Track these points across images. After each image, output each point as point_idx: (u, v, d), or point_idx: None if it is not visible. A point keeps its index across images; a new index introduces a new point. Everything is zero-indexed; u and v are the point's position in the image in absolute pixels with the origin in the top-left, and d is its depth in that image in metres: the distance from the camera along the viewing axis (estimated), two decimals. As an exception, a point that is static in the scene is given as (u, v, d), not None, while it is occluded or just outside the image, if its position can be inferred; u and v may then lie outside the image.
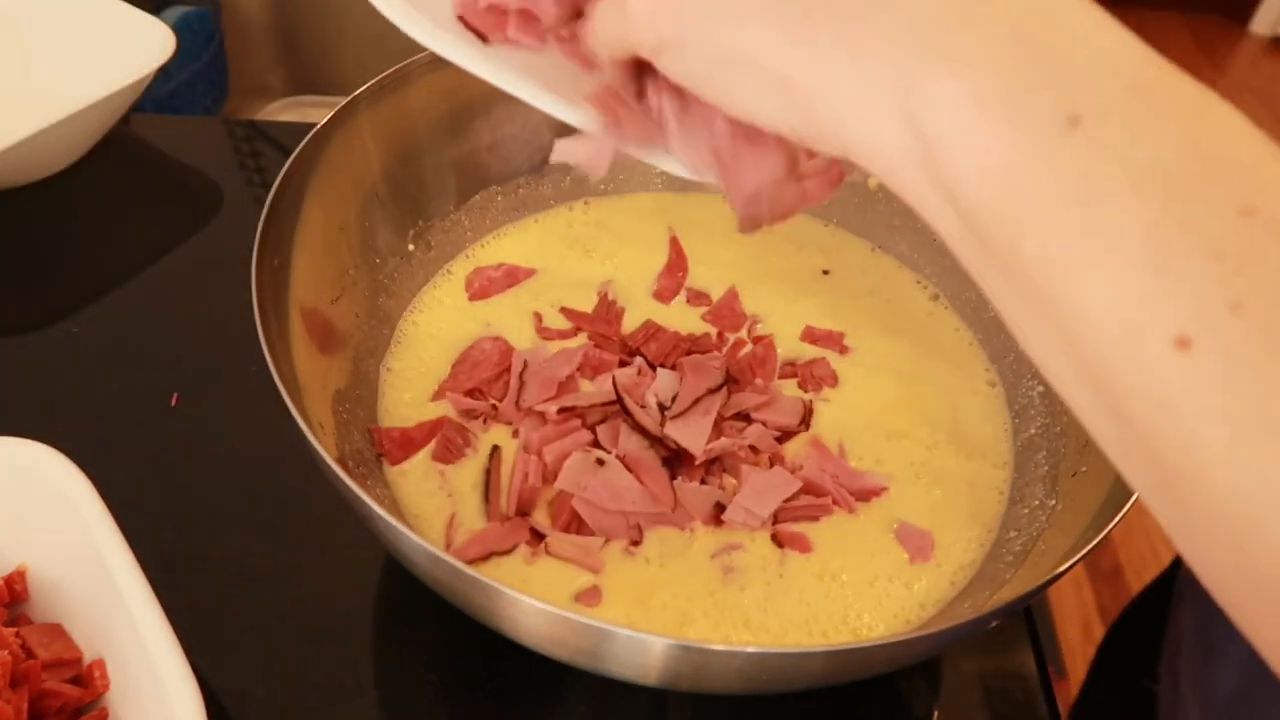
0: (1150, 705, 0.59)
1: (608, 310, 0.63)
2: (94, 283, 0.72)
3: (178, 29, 0.82)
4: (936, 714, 0.52)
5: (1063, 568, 0.41)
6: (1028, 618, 0.55)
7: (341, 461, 0.43)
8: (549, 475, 0.53)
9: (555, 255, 0.67)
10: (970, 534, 0.53)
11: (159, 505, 0.58)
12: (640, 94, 0.37)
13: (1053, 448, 0.55)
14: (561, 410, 0.55)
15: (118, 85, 0.73)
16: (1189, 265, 0.23)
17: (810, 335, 0.62)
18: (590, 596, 0.49)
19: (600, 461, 0.53)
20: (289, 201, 0.53)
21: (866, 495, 0.54)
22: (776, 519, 0.53)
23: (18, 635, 0.46)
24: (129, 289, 0.72)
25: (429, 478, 0.54)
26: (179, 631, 0.43)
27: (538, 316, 0.63)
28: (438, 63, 0.61)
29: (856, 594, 0.51)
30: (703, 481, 0.53)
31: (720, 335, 0.62)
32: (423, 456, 0.55)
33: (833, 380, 0.60)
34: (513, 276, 0.65)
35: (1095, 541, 0.42)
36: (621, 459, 0.53)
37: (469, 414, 0.57)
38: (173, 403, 0.63)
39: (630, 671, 0.41)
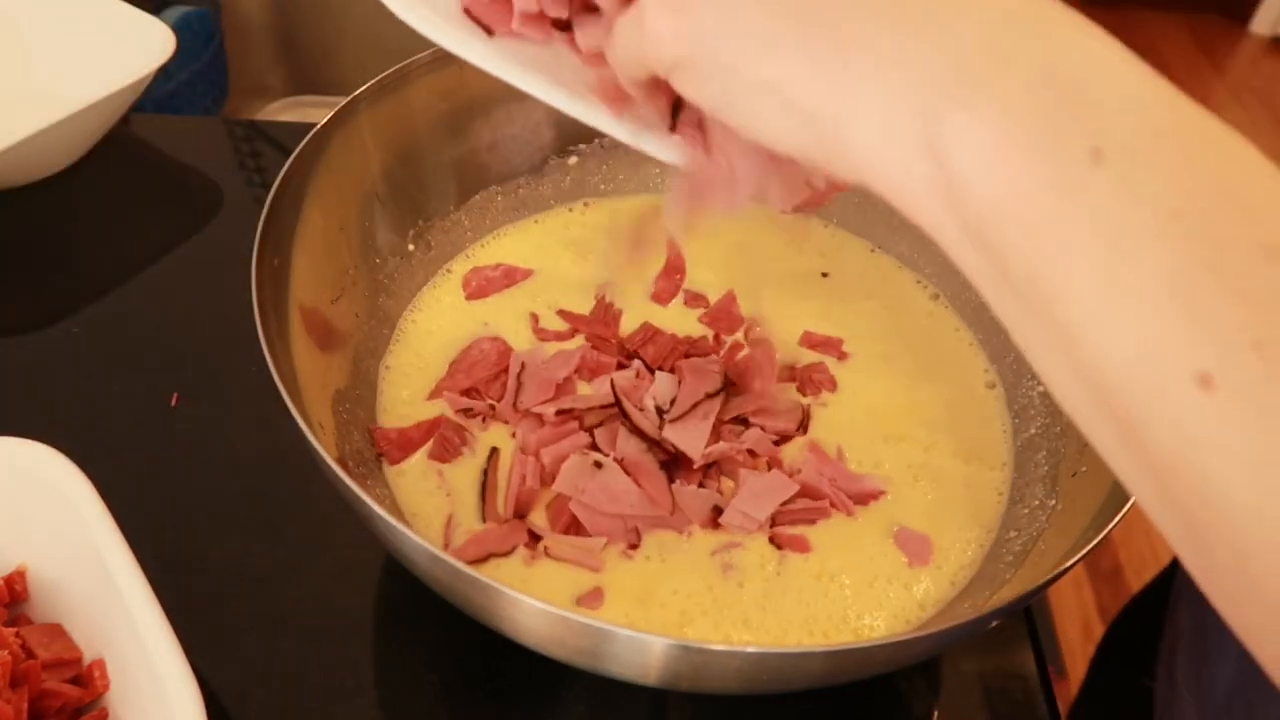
0: (1149, 704, 0.59)
1: (605, 312, 0.63)
2: (94, 283, 0.72)
3: (178, 29, 0.82)
4: (936, 714, 0.52)
5: (1063, 568, 0.41)
6: (1028, 618, 0.55)
7: (341, 461, 0.43)
8: (547, 477, 0.53)
9: (553, 256, 0.67)
10: (970, 535, 0.53)
11: (159, 505, 0.58)
12: (670, 116, 0.37)
13: (1053, 448, 0.55)
14: (559, 412, 0.55)
15: (118, 85, 0.73)
16: (1212, 305, 0.23)
17: (809, 340, 0.62)
18: (593, 599, 0.49)
19: (598, 464, 0.53)
20: (289, 201, 0.53)
21: (865, 499, 0.54)
22: (774, 522, 0.53)
23: (18, 635, 0.46)
24: (129, 289, 0.72)
25: (427, 477, 0.54)
26: (179, 631, 0.43)
27: (534, 317, 0.63)
28: (438, 63, 0.61)
29: (856, 594, 0.51)
30: (700, 485, 0.53)
31: (718, 338, 0.62)
32: (420, 456, 0.55)
33: (831, 385, 0.60)
34: (510, 277, 0.65)
35: (1095, 541, 0.42)
36: (619, 462, 0.53)
37: (466, 413, 0.57)
38: (173, 403, 0.63)
39: (630, 671, 0.41)
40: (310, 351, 0.52)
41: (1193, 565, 0.26)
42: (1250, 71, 2.67)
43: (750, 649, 0.40)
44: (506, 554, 0.51)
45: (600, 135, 0.69)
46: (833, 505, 0.53)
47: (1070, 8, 0.27)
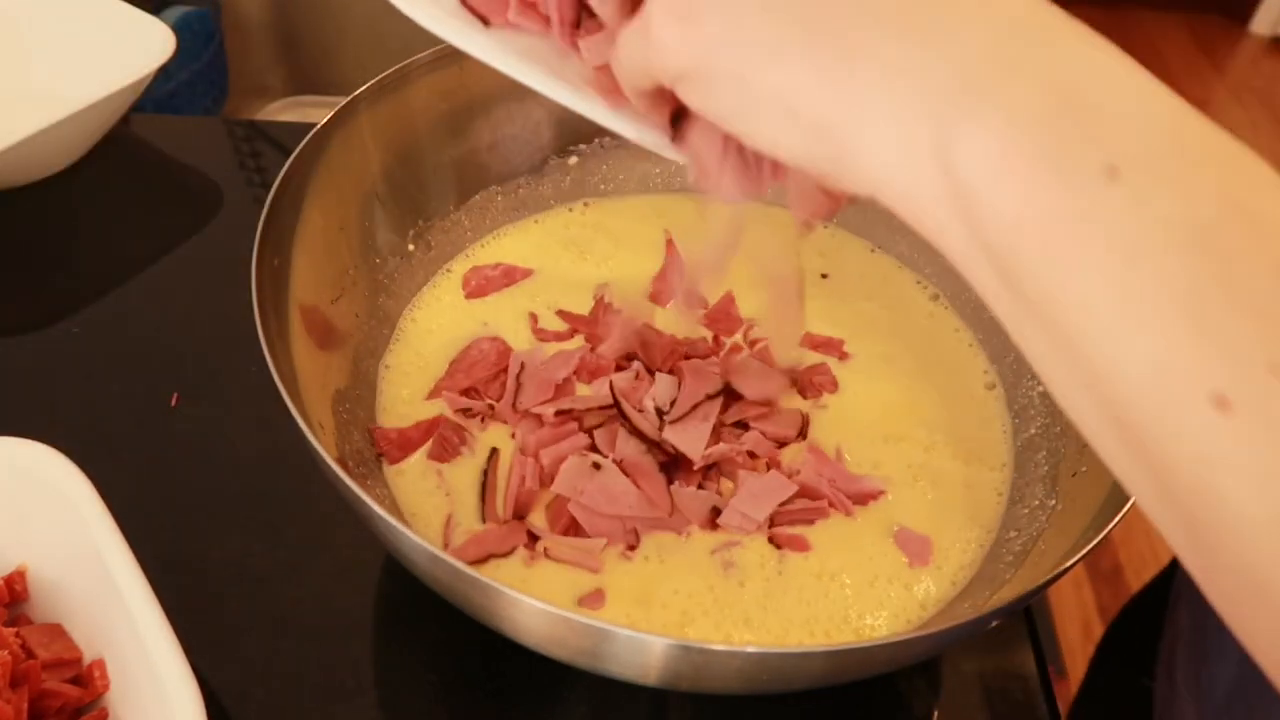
0: (1148, 704, 0.60)
1: (604, 313, 0.63)
2: (94, 283, 0.72)
3: (178, 29, 0.82)
4: (936, 714, 0.52)
5: (1063, 568, 0.41)
6: (1028, 618, 0.55)
7: (341, 461, 0.43)
8: (546, 478, 0.53)
9: (552, 256, 0.67)
10: (970, 535, 0.53)
11: (159, 505, 0.58)
12: (676, 127, 0.36)
13: (1053, 448, 0.55)
14: (559, 413, 0.55)
15: (118, 85, 0.73)
16: (1228, 325, 0.23)
17: (810, 341, 0.62)
18: (594, 600, 0.49)
19: (597, 465, 0.53)
20: (289, 201, 0.53)
21: (864, 499, 0.54)
22: (773, 523, 0.53)
23: (18, 635, 0.46)
24: (129, 289, 0.72)
25: (426, 477, 0.54)
26: (179, 631, 0.43)
27: (533, 318, 0.63)
28: (438, 63, 0.61)
29: (857, 594, 0.51)
30: (700, 487, 0.53)
31: (717, 339, 0.62)
32: (420, 456, 0.55)
33: (832, 386, 0.60)
34: (510, 276, 0.65)
35: (1095, 541, 0.42)
36: (618, 463, 0.53)
37: (465, 413, 0.57)
38: (173, 403, 0.63)
39: (630, 671, 0.41)
40: (310, 351, 0.52)
41: (1197, 571, 0.26)
42: (1250, 71, 2.67)
43: (750, 649, 0.40)
44: (506, 555, 0.51)
45: (600, 135, 0.69)
46: (831, 505, 0.53)
47: (1073, 17, 0.27)
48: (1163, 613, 0.61)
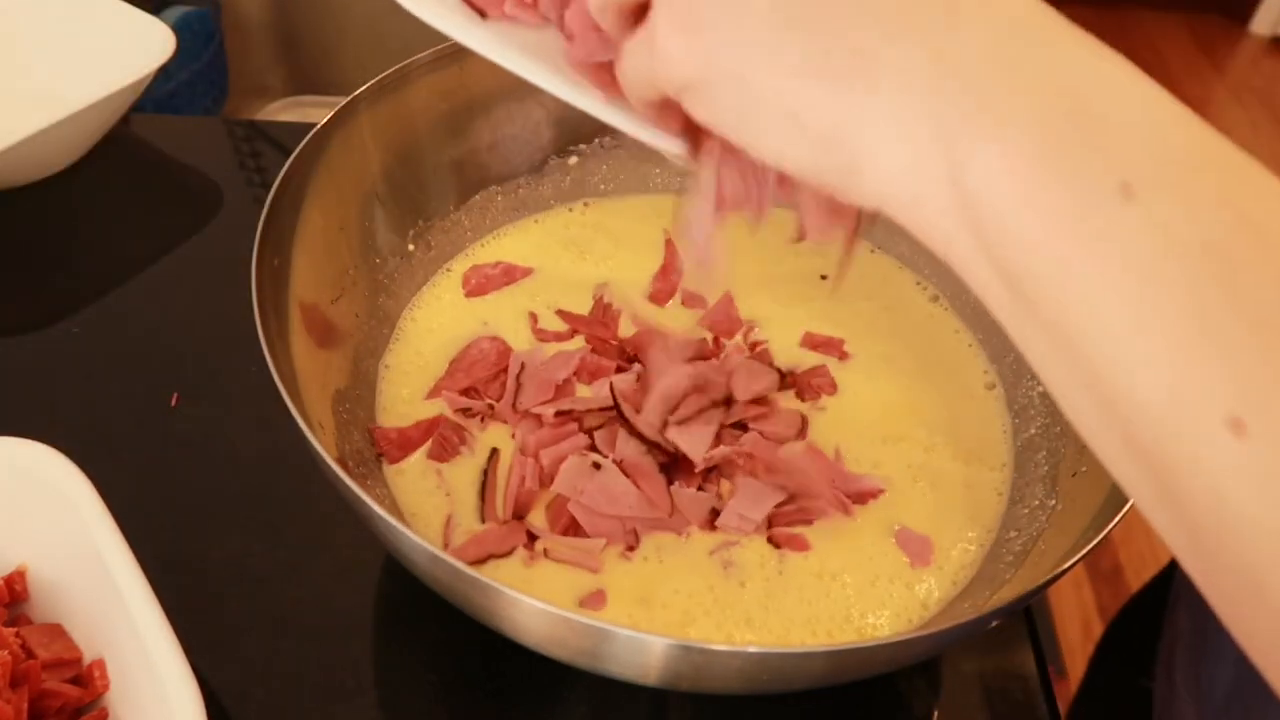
0: (1147, 704, 0.60)
1: (604, 313, 0.63)
2: (94, 283, 0.72)
3: (178, 29, 0.82)
4: (936, 714, 0.52)
5: (1063, 568, 0.41)
6: (1028, 618, 0.55)
7: (341, 461, 0.43)
8: (546, 478, 0.53)
9: (552, 255, 0.67)
10: (971, 534, 0.53)
11: (159, 505, 0.58)
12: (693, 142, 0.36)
13: (1053, 448, 0.55)
14: (559, 414, 0.55)
15: (118, 85, 0.73)
16: (1244, 347, 0.23)
17: (810, 341, 0.62)
18: (595, 600, 0.49)
19: (597, 465, 0.53)
20: (289, 201, 0.53)
21: (863, 498, 0.54)
22: (772, 523, 0.53)
23: (18, 635, 0.46)
24: (129, 289, 0.72)
25: (426, 476, 0.54)
26: (179, 631, 0.43)
27: (533, 317, 0.63)
28: (438, 63, 0.61)
29: (859, 593, 0.51)
30: (700, 488, 0.53)
31: (717, 341, 0.62)
32: (419, 455, 0.55)
33: (831, 388, 0.60)
34: (510, 275, 0.65)
35: (1095, 541, 0.42)
36: (619, 464, 0.53)
37: (465, 413, 0.57)
38: (173, 403, 0.63)
39: (630, 672, 0.41)
40: (310, 351, 0.52)
41: (1197, 573, 0.26)
42: (1250, 71, 2.67)
43: (751, 649, 0.40)
44: (506, 555, 0.51)
45: (601, 135, 0.69)
46: (830, 505, 0.53)
47: (1071, 21, 0.27)
48: (1162, 613, 0.61)
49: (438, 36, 0.54)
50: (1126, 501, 0.43)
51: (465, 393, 0.58)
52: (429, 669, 0.52)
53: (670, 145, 0.38)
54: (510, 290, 0.65)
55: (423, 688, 0.52)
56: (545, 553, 0.51)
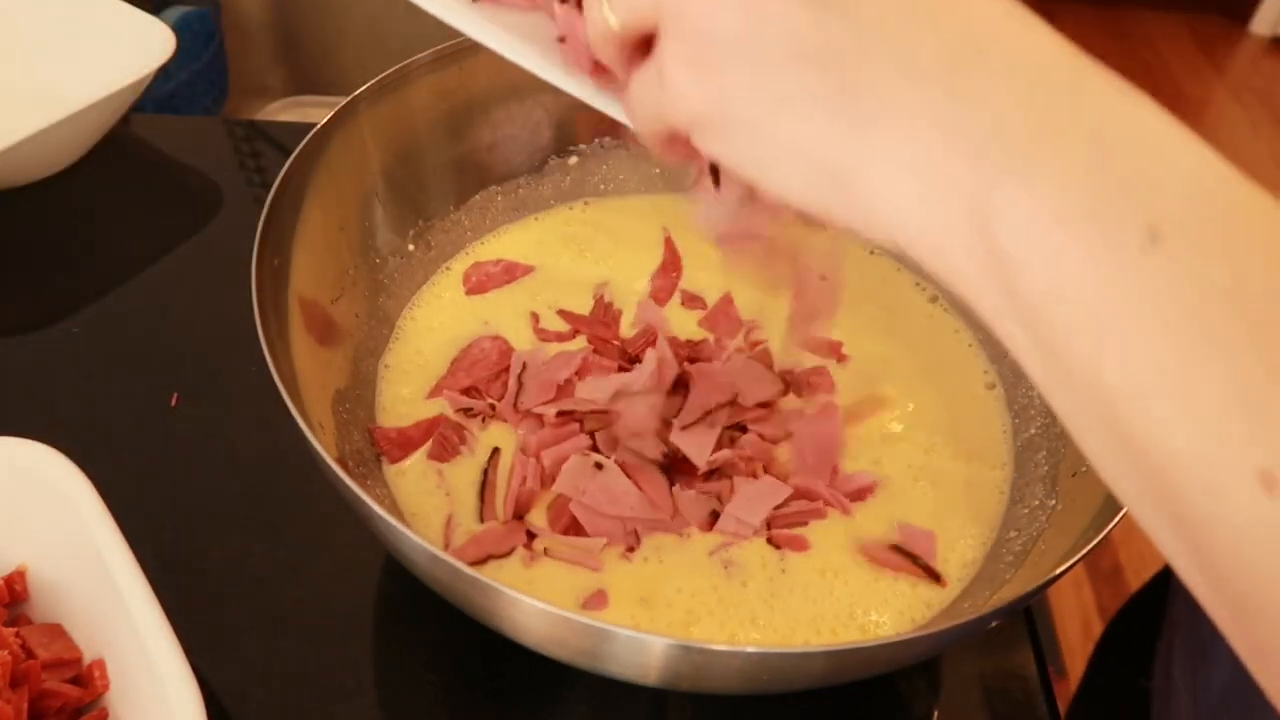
0: (1146, 703, 0.60)
1: (605, 312, 0.63)
2: (94, 283, 0.72)
3: (178, 29, 0.82)
4: (936, 714, 0.52)
5: (1063, 568, 0.41)
6: (1028, 618, 0.55)
7: (341, 461, 0.43)
8: (547, 479, 0.53)
9: (552, 253, 0.67)
10: (972, 532, 0.53)
11: (159, 505, 0.58)
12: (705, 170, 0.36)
13: (1053, 448, 0.55)
14: (560, 414, 0.55)
15: (118, 85, 0.73)
16: (1273, 399, 0.22)
17: (809, 343, 0.62)
18: (597, 600, 0.49)
19: (598, 465, 0.53)
20: (289, 201, 0.53)
21: (861, 494, 0.54)
22: (770, 525, 0.53)
23: (18, 635, 0.46)
24: (129, 289, 0.72)
25: (426, 476, 0.54)
26: (179, 631, 0.43)
27: (535, 317, 0.63)
28: (438, 63, 0.61)
29: (862, 590, 0.51)
30: (701, 490, 0.53)
31: (718, 341, 0.62)
32: (420, 455, 0.55)
33: (830, 388, 0.60)
34: (511, 273, 0.65)
35: (1095, 541, 0.42)
36: (620, 465, 0.53)
37: (466, 413, 0.57)
38: (173, 403, 0.63)
39: (630, 672, 0.41)
40: (310, 351, 0.52)
41: (1225, 624, 0.25)
42: (1250, 71, 2.67)
43: (751, 649, 0.40)
44: (506, 555, 0.51)
45: (600, 135, 0.69)
46: (829, 505, 0.53)
47: (1101, 65, 0.26)
48: (1161, 612, 0.61)
49: (438, 36, 0.54)
50: (1126, 501, 0.43)
51: (466, 392, 0.58)
52: (429, 669, 0.52)
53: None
54: (511, 289, 0.65)
55: (423, 688, 0.52)
56: (545, 551, 0.51)
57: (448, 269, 0.65)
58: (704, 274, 0.66)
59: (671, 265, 0.66)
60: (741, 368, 0.58)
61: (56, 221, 0.76)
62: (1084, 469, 0.51)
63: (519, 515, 0.53)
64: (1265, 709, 0.25)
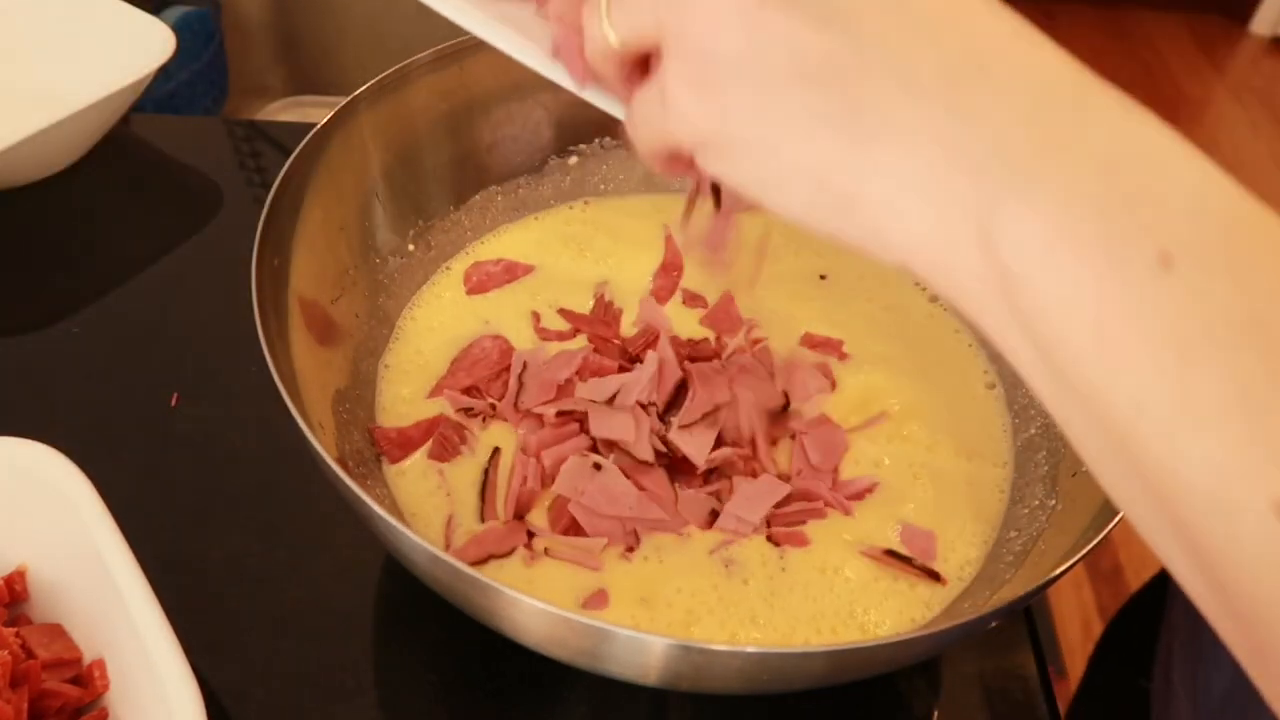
0: (1146, 704, 0.60)
1: (605, 312, 0.63)
2: (94, 283, 0.72)
3: (178, 29, 0.82)
4: (936, 714, 0.52)
5: (1063, 568, 0.41)
6: (1028, 618, 0.55)
7: (341, 461, 0.43)
8: (547, 479, 0.53)
9: (552, 252, 0.67)
10: (974, 529, 0.54)
11: (159, 505, 0.58)
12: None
13: (1053, 448, 0.55)
14: (560, 414, 0.55)
15: (118, 85, 0.73)
16: None
17: (810, 341, 0.62)
18: (598, 600, 0.49)
19: (598, 466, 0.53)
20: (289, 201, 0.53)
21: (860, 495, 0.54)
22: (770, 523, 0.53)
23: (18, 635, 0.46)
24: (129, 289, 0.72)
25: (427, 476, 0.54)
26: (179, 631, 0.43)
27: (536, 316, 0.63)
28: (438, 63, 0.61)
29: (862, 589, 0.51)
30: (701, 489, 0.53)
31: (719, 340, 0.62)
32: (420, 455, 0.55)
33: (831, 387, 0.60)
34: (511, 272, 0.65)
35: (1095, 541, 0.42)
36: (620, 465, 0.53)
37: (467, 412, 0.57)
38: (173, 403, 0.63)
39: (630, 672, 0.41)
40: (310, 351, 0.52)
41: (1247, 660, 0.25)
42: (1250, 71, 2.67)
43: (751, 649, 0.40)
44: (506, 555, 0.51)
45: (601, 135, 0.69)
46: (828, 505, 0.53)
47: (1106, 81, 0.26)
48: (1159, 613, 0.61)
49: (438, 36, 0.54)
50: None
51: (467, 391, 0.58)
52: (429, 669, 0.52)
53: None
54: (512, 288, 0.65)
55: (423, 688, 0.52)
56: (545, 551, 0.51)
57: (448, 269, 0.65)
58: (705, 272, 0.66)
59: (672, 264, 0.66)
60: (741, 372, 0.58)
61: (56, 221, 0.76)
62: (1084, 469, 0.51)
63: (519, 515, 0.53)
64: (1266, 715, 0.25)
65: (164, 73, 0.79)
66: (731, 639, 0.48)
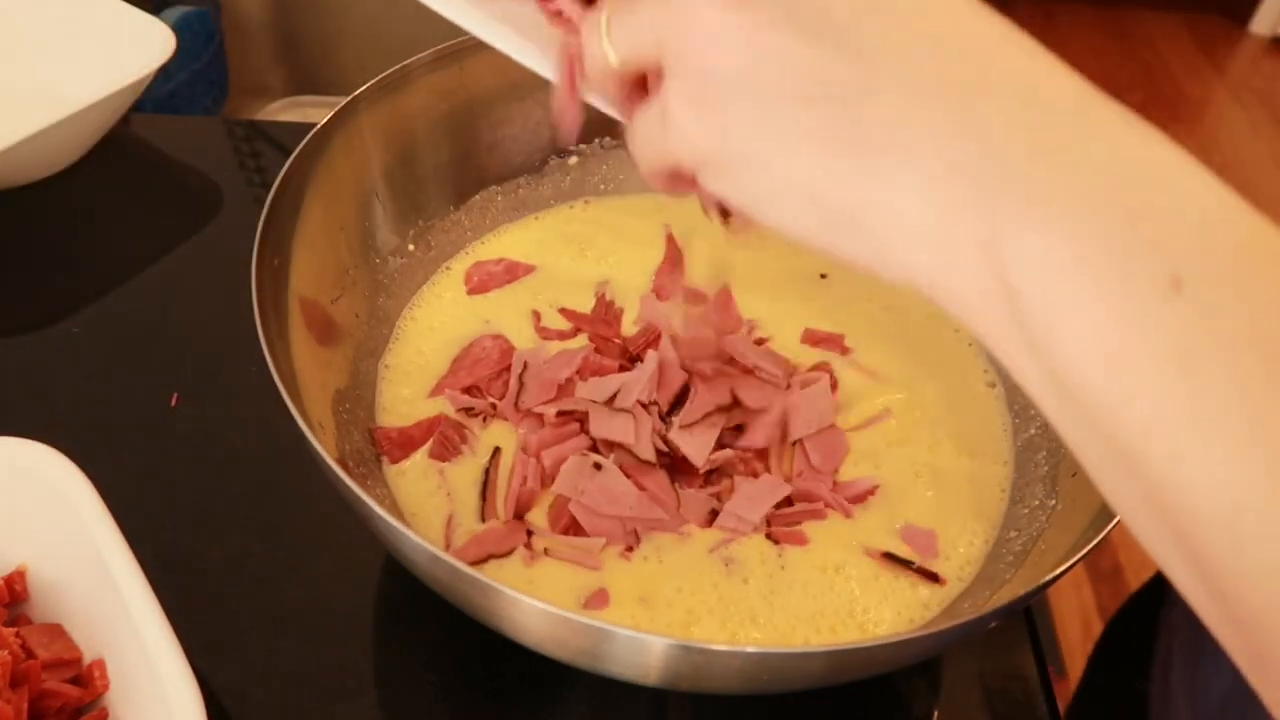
0: (1144, 706, 0.59)
1: (606, 311, 0.63)
2: (94, 283, 0.72)
3: (178, 29, 0.82)
4: (936, 714, 0.52)
5: (1063, 568, 0.41)
6: (1028, 618, 0.55)
7: (341, 461, 0.43)
8: (547, 479, 0.53)
9: (553, 252, 0.67)
10: (975, 527, 0.53)
11: (159, 505, 0.58)
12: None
13: (1053, 448, 0.55)
14: (560, 414, 0.55)
15: (118, 85, 0.73)
16: None
17: (811, 338, 0.62)
18: (598, 600, 0.49)
19: (598, 466, 0.53)
20: (289, 201, 0.53)
21: (861, 497, 0.54)
22: (770, 523, 0.53)
23: (18, 635, 0.46)
24: (129, 289, 0.72)
25: (427, 476, 0.54)
26: (179, 631, 0.43)
27: (536, 315, 0.63)
28: (438, 63, 0.61)
29: (863, 588, 0.51)
30: (701, 489, 0.53)
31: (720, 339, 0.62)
32: (421, 455, 0.55)
33: (833, 385, 0.60)
34: (512, 272, 0.65)
35: (1095, 541, 0.42)
36: (620, 465, 0.53)
37: (468, 412, 0.57)
38: (173, 403, 0.63)
39: (630, 672, 0.41)
40: (310, 351, 0.52)
41: (1258, 681, 0.25)
42: (1250, 71, 2.67)
43: (751, 649, 0.40)
44: (506, 555, 0.51)
45: (601, 135, 0.69)
46: (829, 506, 0.53)
47: (1110, 97, 0.26)
48: (1158, 614, 0.61)
49: (438, 36, 0.54)
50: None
51: (468, 391, 0.58)
52: (429, 669, 0.52)
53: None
54: (512, 288, 0.65)
55: (423, 688, 0.52)
56: (545, 551, 0.51)
57: (448, 269, 0.65)
58: (706, 270, 0.66)
59: (673, 262, 0.66)
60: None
61: (56, 221, 0.76)
62: (1084, 469, 0.51)
63: (520, 515, 0.53)
64: (1263, 714, 0.25)
65: (164, 73, 0.79)
66: (731, 638, 0.48)
